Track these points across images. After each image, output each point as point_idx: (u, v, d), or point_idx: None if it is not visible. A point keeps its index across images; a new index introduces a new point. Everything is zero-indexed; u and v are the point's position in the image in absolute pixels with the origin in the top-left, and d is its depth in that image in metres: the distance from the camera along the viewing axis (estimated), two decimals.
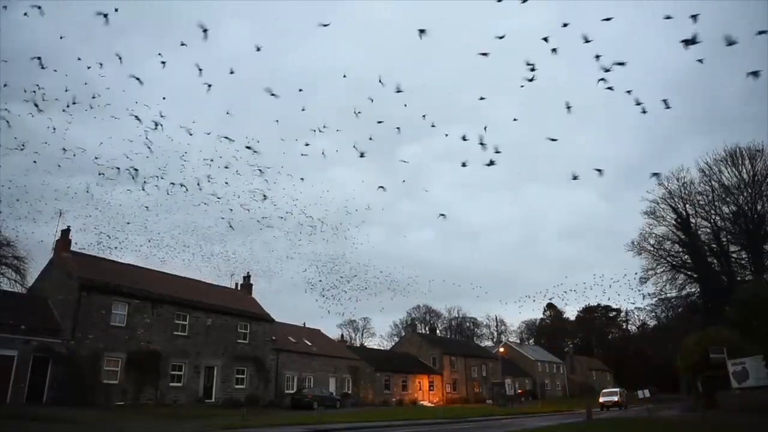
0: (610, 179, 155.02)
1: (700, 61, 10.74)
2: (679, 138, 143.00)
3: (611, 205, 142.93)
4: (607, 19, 10.86)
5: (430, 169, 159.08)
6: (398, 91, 12.50)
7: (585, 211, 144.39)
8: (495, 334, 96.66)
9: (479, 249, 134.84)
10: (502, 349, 68.19)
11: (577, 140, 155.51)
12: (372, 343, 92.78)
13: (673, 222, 47.07)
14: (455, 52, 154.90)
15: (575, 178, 12.53)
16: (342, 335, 79.94)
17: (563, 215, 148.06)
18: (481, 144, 12.40)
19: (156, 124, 15.10)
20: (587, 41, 10.50)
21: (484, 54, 11.71)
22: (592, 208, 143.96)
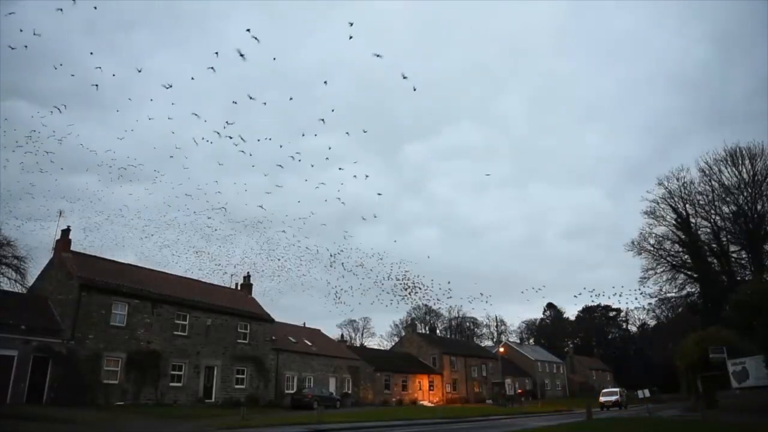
0: (615, 178, 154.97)
1: None
2: (685, 136, 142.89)
3: (616, 204, 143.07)
4: None
5: (433, 167, 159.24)
6: (404, 77, 12.45)
7: (590, 210, 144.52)
8: (495, 334, 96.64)
9: (483, 248, 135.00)
10: (502, 349, 68.18)
11: (582, 138, 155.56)
12: (372, 343, 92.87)
13: (673, 222, 47.08)
14: (461, 49, 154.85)
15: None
16: (342, 335, 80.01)
17: (568, 214, 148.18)
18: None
19: None
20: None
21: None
22: (597, 207, 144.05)
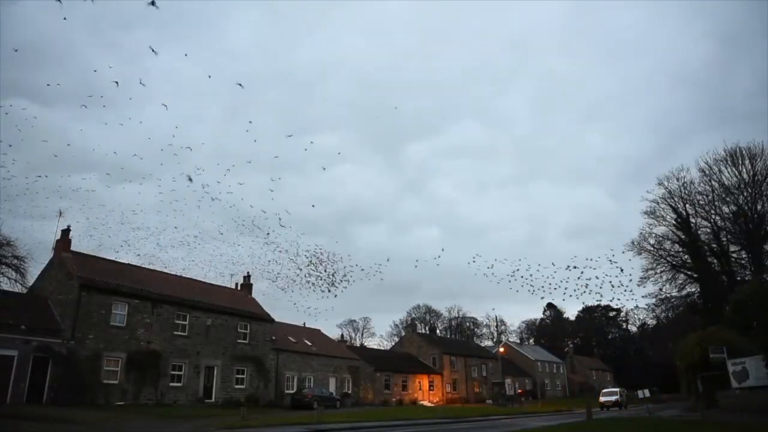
0: (617, 177, 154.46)
1: None
2: (688, 135, 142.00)
3: (618, 204, 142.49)
4: None
5: (434, 166, 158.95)
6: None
7: (591, 210, 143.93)
8: (495, 334, 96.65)
9: (484, 247, 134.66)
10: (502, 349, 68.16)
11: (584, 137, 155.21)
12: (372, 343, 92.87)
13: (673, 222, 47.04)
14: (463, 48, 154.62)
15: None
16: (342, 335, 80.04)
17: (569, 213, 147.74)
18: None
19: None
20: None
21: None
22: (598, 207, 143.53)
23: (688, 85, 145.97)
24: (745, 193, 43.59)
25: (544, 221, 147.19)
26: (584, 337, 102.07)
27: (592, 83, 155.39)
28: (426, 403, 51.53)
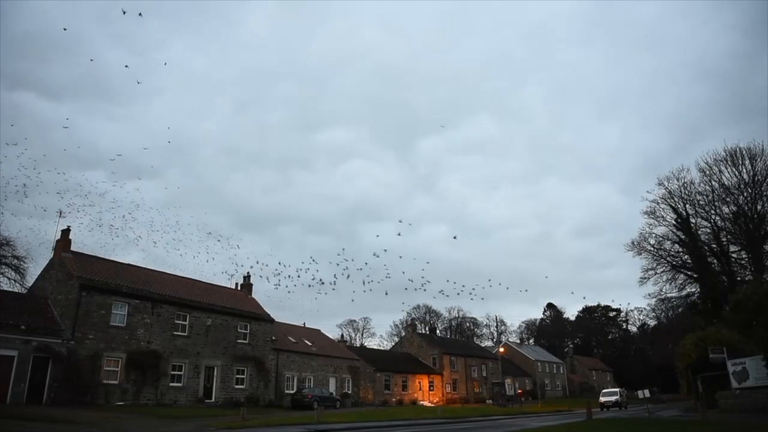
0: (630, 173, 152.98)
1: None
2: (707, 129, 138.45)
3: (629, 201, 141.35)
4: None
5: (446, 162, 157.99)
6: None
7: (602, 207, 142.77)
8: (495, 334, 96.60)
9: (492, 245, 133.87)
10: (502, 349, 68.17)
11: (599, 132, 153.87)
12: (372, 343, 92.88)
13: (673, 222, 47.01)
14: (479, 39, 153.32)
15: None
16: (342, 335, 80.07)
17: (580, 211, 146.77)
18: None
19: None
20: None
21: None
22: (609, 204, 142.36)
23: (707, 80, 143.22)
24: (745, 194, 43.56)
25: (554, 218, 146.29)
26: (584, 337, 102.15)
27: (610, 77, 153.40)
28: (426, 403, 51.53)
